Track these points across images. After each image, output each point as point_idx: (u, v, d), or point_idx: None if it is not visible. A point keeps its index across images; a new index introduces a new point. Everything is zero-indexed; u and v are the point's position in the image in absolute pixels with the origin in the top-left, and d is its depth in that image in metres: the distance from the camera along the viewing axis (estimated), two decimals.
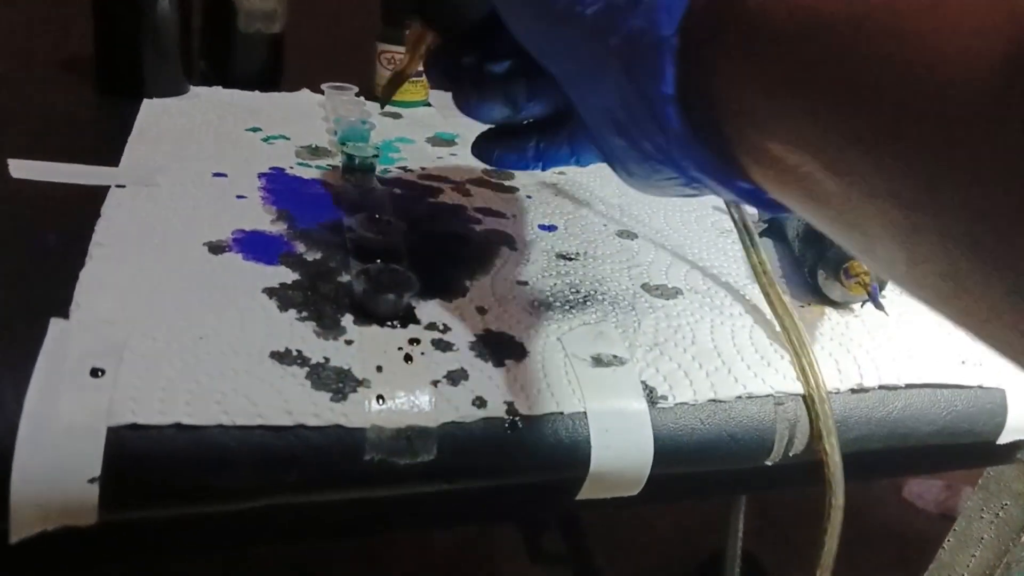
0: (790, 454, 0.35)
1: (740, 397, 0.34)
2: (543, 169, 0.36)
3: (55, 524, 0.26)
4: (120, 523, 0.28)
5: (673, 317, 0.38)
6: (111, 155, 0.44)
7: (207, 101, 0.57)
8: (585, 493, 0.32)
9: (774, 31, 0.22)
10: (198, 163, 0.45)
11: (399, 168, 0.50)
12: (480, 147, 0.37)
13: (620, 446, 0.31)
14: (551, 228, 0.45)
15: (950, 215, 0.17)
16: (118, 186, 0.40)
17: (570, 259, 0.42)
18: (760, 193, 0.26)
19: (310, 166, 0.48)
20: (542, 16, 0.28)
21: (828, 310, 0.41)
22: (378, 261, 0.36)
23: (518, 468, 0.31)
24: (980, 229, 0.17)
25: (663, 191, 0.30)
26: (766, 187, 0.25)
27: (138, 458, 0.26)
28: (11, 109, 0.51)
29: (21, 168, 0.40)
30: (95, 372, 0.27)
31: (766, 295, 0.39)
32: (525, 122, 0.34)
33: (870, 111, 0.19)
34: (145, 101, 0.54)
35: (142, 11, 0.54)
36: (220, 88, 0.61)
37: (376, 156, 0.48)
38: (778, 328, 0.38)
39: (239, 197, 0.41)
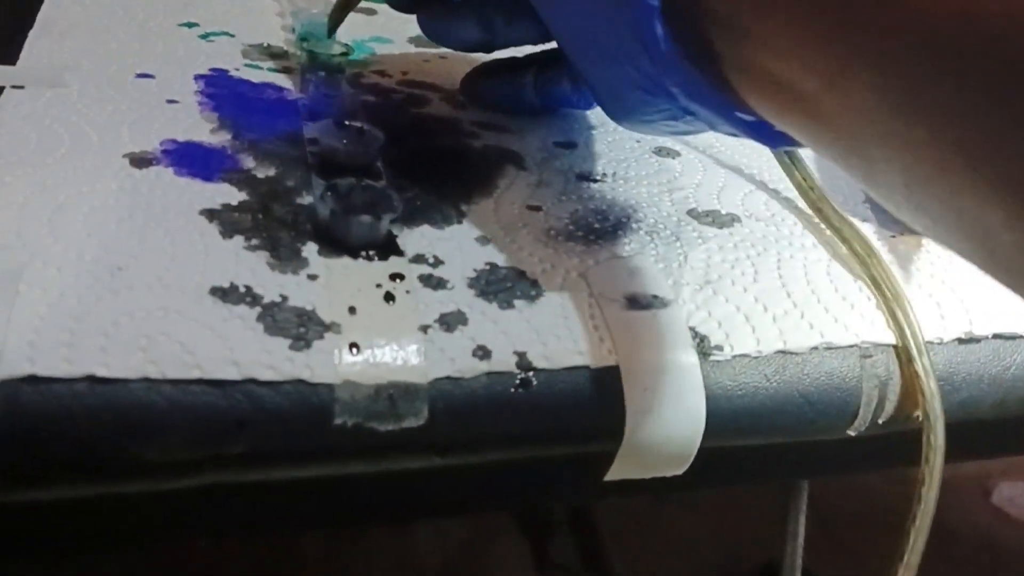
0: (879, 421, 0.33)
1: (816, 348, 0.33)
2: (542, 107, 0.39)
3: None
4: (17, 506, 0.26)
5: (729, 249, 0.36)
6: (5, 52, 0.42)
7: None
8: (616, 472, 0.31)
9: None
10: (118, 62, 0.43)
11: (375, 72, 0.48)
12: (472, 83, 0.40)
13: (662, 409, 0.30)
14: (570, 145, 0.43)
15: (946, 122, 0.19)
16: (15, 87, 0.38)
17: (595, 181, 0.40)
18: (759, 124, 0.27)
19: (260, 68, 0.46)
20: None
21: (926, 241, 0.39)
22: (349, 178, 0.35)
23: (531, 437, 0.30)
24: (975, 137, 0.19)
25: (655, 128, 0.33)
26: (761, 111, 0.26)
27: (39, 420, 0.25)
28: None
29: None
30: None
31: (823, 218, 0.38)
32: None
33: (866, 15, 0.21)
34: None
35: None
36: None
37: (345, 55, 0.46)
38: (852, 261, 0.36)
39: (170, 102, 0.40)
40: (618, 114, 0.35)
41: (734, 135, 0.30)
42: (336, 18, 0.45)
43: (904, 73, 0.20)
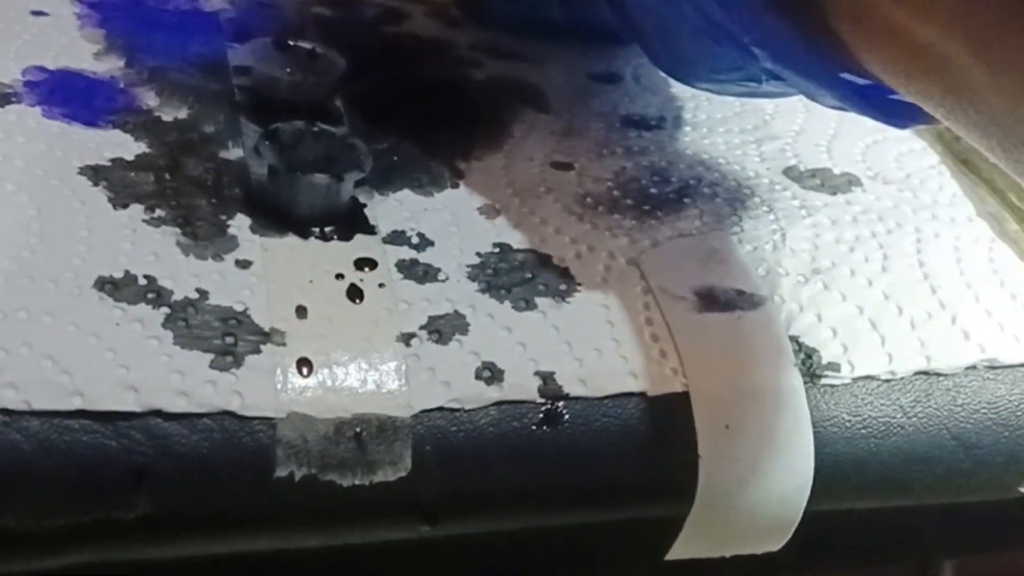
0: None
1: (975, 367, 0.33)
2: (571, 29, 0.40)
3: None
4: None
5: (846, 225, 0.36)
6: None
7: None
8: (683, 548, 0.31)
9: None
10: None
11: None
12: None
13: (752, 456, 0.30)
14: (613, 78, 0.43)
15: None
16: None
17: (649, 128, 0.40)
18: (876, 90, 0.27)
19: None
20: None
21: None
22: (296, 123, 0.34)
23: (560, 496, 0.30)
24: None
25: (728, 89, 0.34)
26: (884, 77, 0.26)
27: None
28: None
29: None
30: None
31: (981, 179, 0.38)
32: None
33: None
34: None
35: None
36: None
37: None
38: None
39: (36, 14, 0.39)
40: (676, 70, 0.35)
41: (841, 109, 0.30)
42: None
43: None
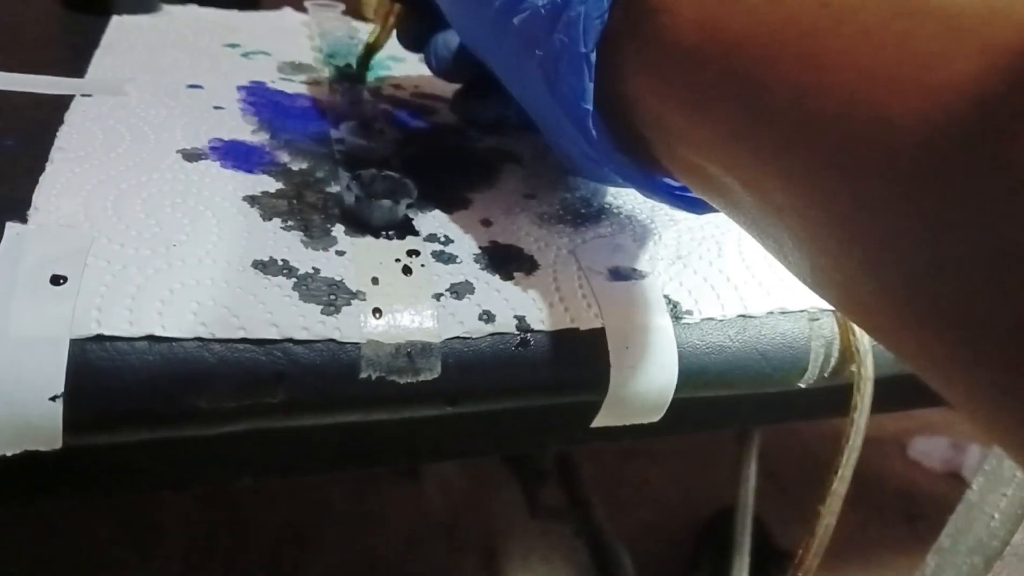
0: (825, 375, 0.33)
1: (772, 312, 0.32)
2: (521, 126, 0.37)
3: (15, 449, 0.24)
4: (86, 449, 0.25)
5: (696, 229, 0.35)
6: (76, 68, 0.41)
7: (180, 19, 0.54)
8: (602, 419, 0.31)
9: (683, 52, 0.23)
10: (171, 74, 0.42)
11: (391, 86, 0.47)
12: (461, 103, 0.39)
13: (641, 365, 0.29)
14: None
15: (842, 230, 0.19)
16: (83, 96, 0.37)
17: None
18: (684, 190, 0.27)
19: (293, 80, 0.45)
20: (477, 21, 0.30)
21: None
22: (371, 169, 0.34)
23: (529, 388, 0.29)
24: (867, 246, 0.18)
25: (607, 182, 0.33)
26: (690, 188, 0.26)
27: (106, 373, 0.24)
28: None
29: None
30: (56, 280, 0.25)
31: None
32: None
33: (768, 133, 0.20)
34: (114, 18, 0.51)
35: None
36: (195, 6, 0.57)
37: (365, 74, 0.45)
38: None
39: (216, 108, 0.39)
40: (576, 172, 0.34)
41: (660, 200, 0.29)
42: (364, 62, 0.45)
43: (809, 185, 0.19)
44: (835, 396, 0.34)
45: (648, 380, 0.29)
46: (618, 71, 0.25)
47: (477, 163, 0.38)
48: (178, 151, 0.34)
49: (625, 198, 0.37)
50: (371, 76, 0.47)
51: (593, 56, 0.25)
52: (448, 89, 0.47)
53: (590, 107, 0.26)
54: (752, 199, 0.22)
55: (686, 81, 0.23)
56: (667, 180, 0.27)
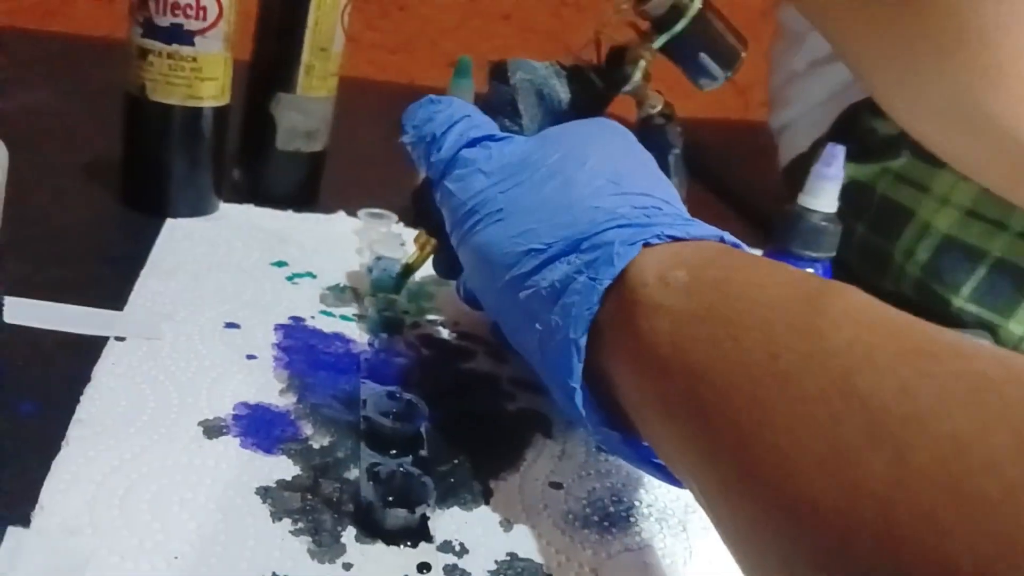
0: None
1: None
2: None
3: None
4: None
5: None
6: (117, 291, 0.42)
7: (235, 223, 0.55)
8: None
9: (658, 361, 0.25)
10: (211, 308, 0.42)
11: (430, 321, 0.47)
12: (497, 332, 0.40)
13: None
14: None
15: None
16: (117, 338, 0.38)
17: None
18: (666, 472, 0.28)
19: (333, 315, 0.45)
20: (488, 288, 0.34)
21: None
22: (392, 452, 0.33)
23: None
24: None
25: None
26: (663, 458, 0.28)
27: None
28: (24, 216, 0.49)
29: (16, 311, 0.38)
30: None
31: None
32: None
33: (714, 471, 0.23)
34: (168, 222, 0.53)
35: (175, 127, 0.53)
36: (251, 207, 0.59)
37: (405, 316, 0.45)
38: None
39: (249, 357, 0.39)
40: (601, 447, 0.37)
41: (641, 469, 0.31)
42: (400, 282, 0.46)
43: (750, 531, 0.22)
44: None
45: None
46: (603, 351, 0.28)
47: (506, 437, 0.37)
48: (200, 423, 0.33)
49: (657, 492, 0.35)
50: (411, 300, 0.48)
51: (583, 341, 0.28)
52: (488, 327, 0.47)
53: (577, 386, 0.28)
54: (704, 501, 0.25)
55: (657, 390, 0.26)
56: (648, 456, 0.29)
